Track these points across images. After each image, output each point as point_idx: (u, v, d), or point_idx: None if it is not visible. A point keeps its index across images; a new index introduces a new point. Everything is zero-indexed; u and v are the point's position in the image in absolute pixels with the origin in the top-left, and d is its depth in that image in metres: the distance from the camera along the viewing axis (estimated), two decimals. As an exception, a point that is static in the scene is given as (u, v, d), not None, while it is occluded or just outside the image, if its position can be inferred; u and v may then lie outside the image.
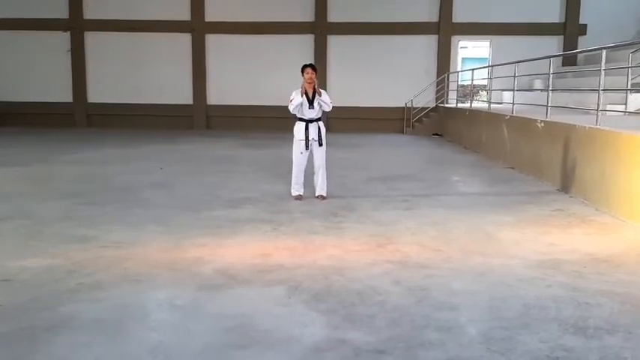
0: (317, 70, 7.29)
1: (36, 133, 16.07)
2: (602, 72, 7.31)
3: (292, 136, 7.30)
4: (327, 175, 7.39)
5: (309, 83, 7.07)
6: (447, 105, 17.34)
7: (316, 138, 7.18)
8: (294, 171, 7.31)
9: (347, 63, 18.45)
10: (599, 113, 7.32)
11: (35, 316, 3.58)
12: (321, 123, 7.25)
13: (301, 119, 7.19)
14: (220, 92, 18.88)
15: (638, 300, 3.91)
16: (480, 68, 15.97)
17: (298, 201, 7.20)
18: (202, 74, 18.88)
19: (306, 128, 7.14)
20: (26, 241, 5.32)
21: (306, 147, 7.17)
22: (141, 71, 18.92)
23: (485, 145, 12.20)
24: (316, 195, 7.32)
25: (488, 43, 18.51)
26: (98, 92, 19.05)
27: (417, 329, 3.42)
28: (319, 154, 7.24)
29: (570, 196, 7.55)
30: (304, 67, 7.14)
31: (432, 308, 3.75)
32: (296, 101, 7.02)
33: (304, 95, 7.06)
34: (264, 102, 17.99)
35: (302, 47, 18.24)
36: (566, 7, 17.84)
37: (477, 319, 3.58)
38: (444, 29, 18.19)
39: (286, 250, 5.04)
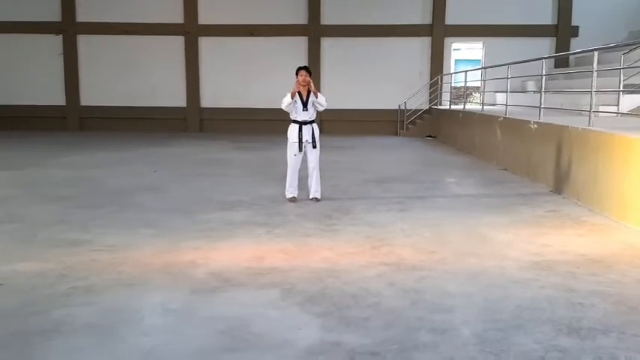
0: (311, 72, 7.29)
1: (28, 137, 15.99)
2: (595, 73, 7.35)
3: (286, 138, 7.30)
4: (321, 177, 7.39)
5: (303, 85, 7.07)
6: (440, 107, 17.38)
7: (310, 140, 7.18)
8: (288, 173, 7.30)
9: (341, 65, 18.47)
10: (592, 114, 7.35)
11: (27, 321, 3.55)
12: (315, 125, 7.25)
13: (295, 121, 7.19)
14: (214, 95, 18.85)
15: (631, 300, 3.92)
16: (473, 70, 16.02)
17: (292, 203, 7.19)
18: (196, 77, 18.85)
19: (300, 130, 7.14)
20: (18, 245, 5.28)
21: (300, 149, 7.17)
22: (134, 74, 18.86)
23: (478, 146, 12.24)
24: (310, 197, 7.31)
25: (481, 44, 18.59)
26: (91, 95, 18.97)
27: (412, 331, 3.41)
28: (313, 156, 7.23)
29: (563, 198, 7.57)
30: (298, 69, 7.14)
31: (427, 310, 3.75)
32: (286, 101, 7.03)
33: (298, 97, 7.07)
34: (258, 104, 17.97)
35: (296, 50, 18.24)
36: (558, 9, 17.95)
37: (471, 320, 3.59)
38: (437, 31, 18.24)
39: (280, 253, 5.03)
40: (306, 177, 7.37)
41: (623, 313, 3.71)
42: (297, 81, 7.07)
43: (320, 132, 7.47)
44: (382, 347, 3.19)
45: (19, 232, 5.72)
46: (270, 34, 18.39)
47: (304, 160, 7.29)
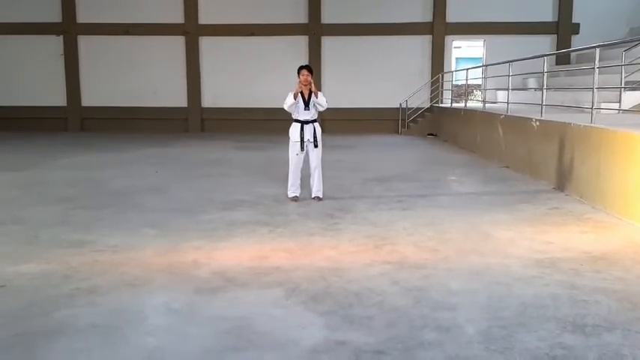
0: (313, 71, 7.28)
1: (29, 138, 15.99)
2: (596, 70, 7.34)
3: (287, 137, 7.29)
4: (322, 177, 7.38)
5: (305, 85, 7.06)
6: (441, 105, 17.36)
7: (312, 139, 7.17)
8: (290, 173, 7.29)
9: (341, 64, 18.46)
10: (594, 111, 7.34)
11: (31, 322, 3.55)
12: (316, 124, 7.24)
13: (297, 120, 7.18)
14: (215, 95, 18.84)
15: (635, 297, 3.92)
16: (474, 68, 16.00)
17: (294, 203, 7.18)
18: (196, 77, 18.84)
19: (302, 129, 7.13)
20: (21, 246, 5.29)
21: (302, 148, 7.16)
22: (135, 74, 18.86)
23: (480, 144, 12.22)
24: (312, 196, 7.31)
25: (482, 42, 18.57)
26: (92, 96, 18.97)
27: (416, 329, 3.41)
28: (315, 155, 7.23)
29: (566, 195, 7.56)
30: (300, 68, 7.13)
31: (430, 308, 3.74)
32: (288, 101, 7.03)
33: (300, 96, 7.06)
34: (259, 104, 17.96)
35: (296, 49, 18.24)
36: (559, 7, 17.92)
37: (475, 318, 3.58)
38: (438, 29, 18.22)
39: (283, 252, 5.03)
40: (308, 176, 7.37)
41: (627, 309, 3.70)
42: (300, 81, 7.05)
43: (321, 131, 7.46)
44: (387, 346, 3.19)
45: (21, 234, 5.72)
46: (271, 33, 18.37)
47: (306, 160, 7.28)
